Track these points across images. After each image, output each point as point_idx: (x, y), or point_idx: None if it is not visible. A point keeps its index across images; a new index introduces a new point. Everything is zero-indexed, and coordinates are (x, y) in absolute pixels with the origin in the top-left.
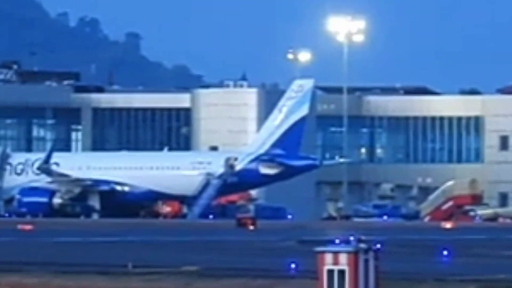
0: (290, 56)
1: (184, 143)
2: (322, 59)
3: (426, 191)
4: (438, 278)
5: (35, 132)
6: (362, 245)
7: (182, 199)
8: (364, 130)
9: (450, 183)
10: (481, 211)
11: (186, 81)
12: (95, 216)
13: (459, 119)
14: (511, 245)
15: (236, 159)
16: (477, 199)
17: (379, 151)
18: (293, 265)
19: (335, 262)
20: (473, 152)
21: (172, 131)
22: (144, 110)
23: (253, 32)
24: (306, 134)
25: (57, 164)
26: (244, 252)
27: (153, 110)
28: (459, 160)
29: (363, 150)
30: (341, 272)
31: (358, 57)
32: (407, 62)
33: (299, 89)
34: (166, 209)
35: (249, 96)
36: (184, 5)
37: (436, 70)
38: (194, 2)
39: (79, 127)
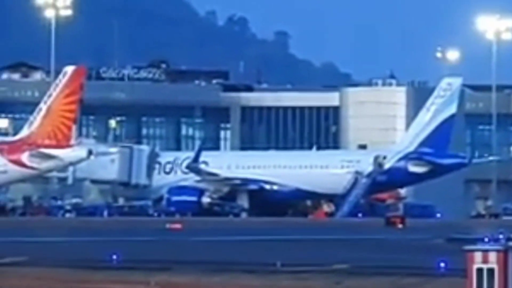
0: (438, 54)
1: (332, 141)
2: (471, 58)
3: None
4: None
5: (183, 131)
6: None
7: (331, 198)
8: None
9: None
10: None
11: (334, 79)
12: (243, 215)
13: None
14: None
15: (384, 157)
16: None
17: None
18: (442, 264)
19: (485, 261)
20: None
21: (320, 130)
22: (293, 108)
23: (402, 30)
24: (455, 133)
25: (206, 163)
26: (393, 250)
27: (301, 109)
28: None
29: None
30: (490, 271)
31: (506, 56)
32: None
33: (448, 87)
34: (330, 207)
35: (398, 94)
36: (332, 3)
37: None
38: (341, 0)
39: (228, 125)
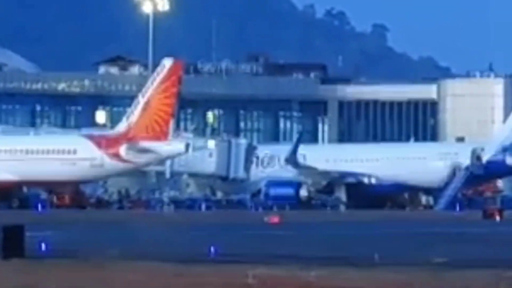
0: None
1: (430, 134)
2: None
3: None
4: None
5: (281, 124)
6: None
7: (428, 191)
8: None
9: None
10: None
11: (433, 72)
12: (341, 208)
13: None
14: None
15: (482, 149)
16: None
17: None
18: None
19: None
20: None
21: (418, 123)
22: (391, 102)
23: (499, 22)
24: None
25: (303, 156)
26: (491, 243)
27: (399, 102)
28: None
29: None
30: None
31: None
32: None
33: None
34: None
35: (496, 87)
36: None
37: None
38: None
39: (326, 119)
